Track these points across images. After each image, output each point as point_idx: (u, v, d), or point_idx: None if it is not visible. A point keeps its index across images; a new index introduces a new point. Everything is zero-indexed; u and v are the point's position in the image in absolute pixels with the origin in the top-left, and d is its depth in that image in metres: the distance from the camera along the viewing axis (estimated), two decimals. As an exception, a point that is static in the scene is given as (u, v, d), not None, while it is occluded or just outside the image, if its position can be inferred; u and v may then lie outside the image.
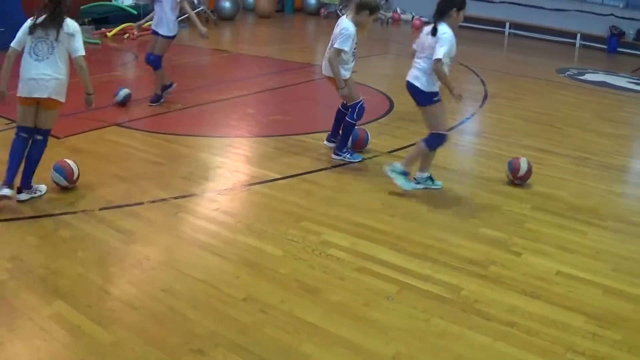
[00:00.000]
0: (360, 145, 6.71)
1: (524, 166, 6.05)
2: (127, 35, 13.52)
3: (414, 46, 5.69)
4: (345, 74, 6.28)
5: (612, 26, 16.21)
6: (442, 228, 5.10)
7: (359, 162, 6.47)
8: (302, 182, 5.91)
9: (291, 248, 4.61)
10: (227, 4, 16.99)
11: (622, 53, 15.97)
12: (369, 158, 6.60)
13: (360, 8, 6.12)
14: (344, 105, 6.61)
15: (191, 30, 15.09)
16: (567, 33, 16.93)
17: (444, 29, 5.35)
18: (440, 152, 6.17)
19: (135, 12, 14.32)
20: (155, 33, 8.14)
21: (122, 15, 14.16)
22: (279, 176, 5.99)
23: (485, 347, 3.61)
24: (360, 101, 6.39)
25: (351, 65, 6.36)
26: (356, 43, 6.27)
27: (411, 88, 5.62)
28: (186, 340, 3.51)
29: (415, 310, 3.92)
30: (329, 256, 4.51)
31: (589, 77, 12.65)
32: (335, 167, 6.34)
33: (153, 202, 5.29)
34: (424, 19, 18.26)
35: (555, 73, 12.68)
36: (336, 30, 6.21)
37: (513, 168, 6.07)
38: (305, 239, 4.75)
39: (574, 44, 16.85)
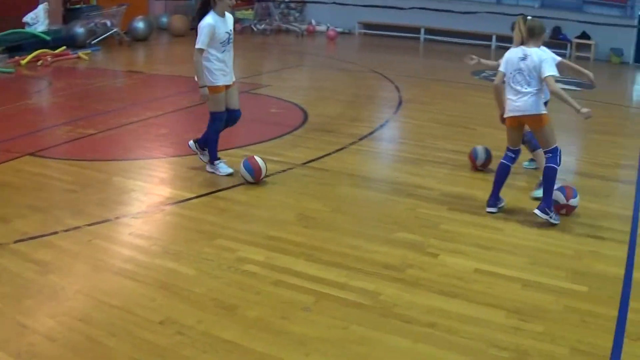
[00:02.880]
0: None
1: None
2: (40, 62, 13.33)
3: None
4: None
5: (527, 26, 16.65)
6: (357, 235, 5.20)
7: None
8: (216, 199, 5.97)
9: (206, 267, 4.65)
10: (141, 25, 16.80)
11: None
12: (283, 171, 6.70)
13: (538, 33, 5.71)
14: (508, 157, 5.80)
15: (104, 52, 15.01)
16: (482, 35, 17.31)
17: None
18: (356, 160, 6.38)
19: (48, 38, 14.11)
20: None
21: (35, 42, 13.93)
22: (192, 195, 6.03)
23: (406, 350, 3.70)
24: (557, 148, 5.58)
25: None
26: None
27: None
28: (105, 368, 3.53)
29: (333, 320, 3.99)
30: (244, 272, 4.57)
31: (505, 77, 12.95)
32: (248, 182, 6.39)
33: (67, 230, 5.26)
34: (338, 30, 18.51)
35: (470, 75, 12.99)
36: (527, 63, 5.59)
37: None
38: (220, 256, 4.80)
39: (489, 46, 17.25)
